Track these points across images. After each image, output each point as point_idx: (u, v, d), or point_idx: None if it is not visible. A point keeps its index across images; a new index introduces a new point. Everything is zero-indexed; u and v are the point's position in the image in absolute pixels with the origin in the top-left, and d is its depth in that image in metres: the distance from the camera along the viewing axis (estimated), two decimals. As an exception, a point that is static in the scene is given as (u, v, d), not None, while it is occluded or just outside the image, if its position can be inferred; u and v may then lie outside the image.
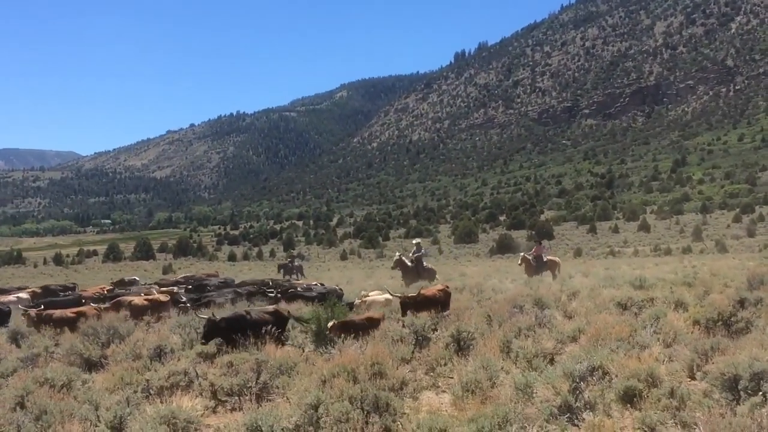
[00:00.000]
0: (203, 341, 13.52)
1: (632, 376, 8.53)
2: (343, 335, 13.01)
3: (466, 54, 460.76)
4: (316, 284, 25.48)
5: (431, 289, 17.92)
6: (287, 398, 9.40)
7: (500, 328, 13.02)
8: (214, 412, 9.70)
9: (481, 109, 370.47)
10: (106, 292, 27.15)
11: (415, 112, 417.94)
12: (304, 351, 12.97)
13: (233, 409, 9.71)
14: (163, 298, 21.34)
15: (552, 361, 10.32)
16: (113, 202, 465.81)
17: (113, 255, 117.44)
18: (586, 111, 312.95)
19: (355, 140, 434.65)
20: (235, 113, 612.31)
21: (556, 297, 18.67)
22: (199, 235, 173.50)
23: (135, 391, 9.60)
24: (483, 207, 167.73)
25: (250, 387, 10.05)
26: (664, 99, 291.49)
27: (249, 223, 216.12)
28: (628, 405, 8.09)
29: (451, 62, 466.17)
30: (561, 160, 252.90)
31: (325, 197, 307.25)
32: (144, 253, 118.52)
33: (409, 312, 15.43)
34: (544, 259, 31.19)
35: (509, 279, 30.73)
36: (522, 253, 34.90)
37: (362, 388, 8.25)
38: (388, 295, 18.57)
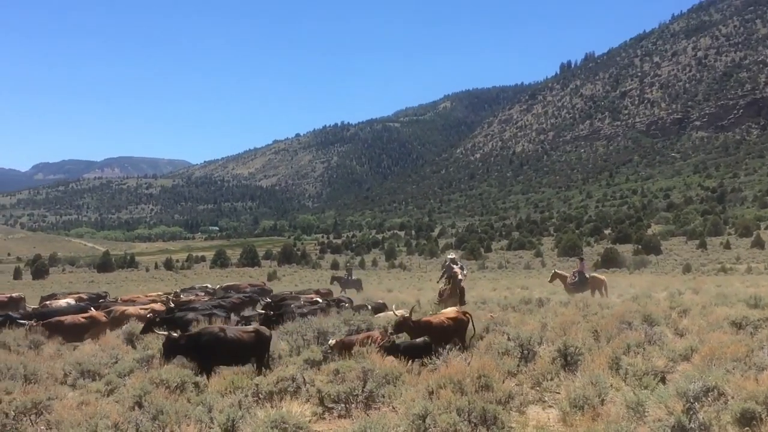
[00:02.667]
0: (164, 362, 12.57)
1: (750, 398, 8.23)
2: (345, 352, 12.86)
3: (572, 65, 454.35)
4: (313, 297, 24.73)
5: (442, 314, 15.46)
6: (393, 408, 9.47)
7: (608, 344, 12.78)
8: (322, 418, 9.84)
9: (587, 121, 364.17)
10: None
11: (519, 123, 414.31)
12: (409, 361, 13.02)
13: (340, 416, 9.84)
14: (101, 317, 19.77)
15: (663, 380, 10.05)
16: (221, 209, 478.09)
17: (220, 261, 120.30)
18: (697, 123, 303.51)
19: (458, 151, 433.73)
20: (339, 123, 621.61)
21: (666, 314, 18.16)
22: (303, 243, 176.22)
23: (246, 395, 9.83)
24: (587, 220, 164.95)
25: (357, 395, 10.16)
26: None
27: (351, 233, 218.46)
28: (746, 428, 7.82)
29: (556, 73, 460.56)
30: (670, 173, 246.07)
31: (427, 208, 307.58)
32: (250, 259, 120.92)
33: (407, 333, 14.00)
34: (587, 276, 30.55)
35: (615, 294, 30.08)
36: (554, 270, 34.41)
37: (470, 400, 8.24)
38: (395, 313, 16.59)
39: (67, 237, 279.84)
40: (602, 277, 31.43)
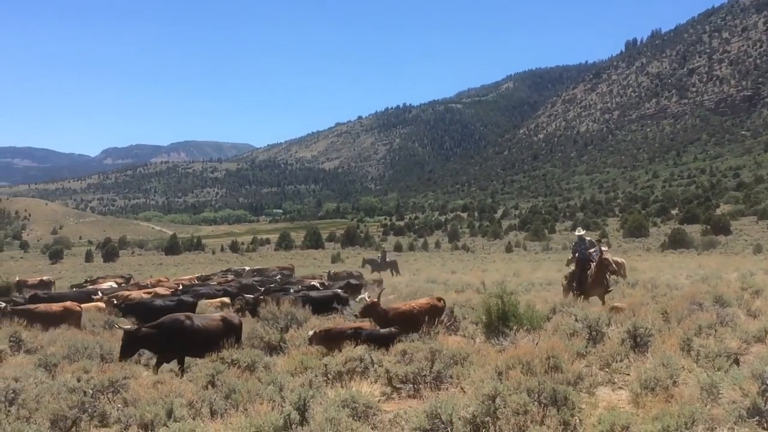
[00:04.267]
0: (120, 357, 11.74)
1: (828, 379, 8.06)
2: (328, 345, 12.26)
3: (638, 42, 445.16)
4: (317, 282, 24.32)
5: (414, 302, 14.89)
6: (462, 388, 9.49)
7: (679, 325, 12.60)
8: (391, 398, 9.93)
9: (653, 99, 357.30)
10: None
11: (583, 103, 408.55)
12: (475, 342, 13.02)
13: (409, 396, 9.91)
14: (75, 307, 18.46)
15: (737, 362, 9.89)
16: (284, 192, 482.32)
17: (285, 243, 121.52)
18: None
19: (521, 132, 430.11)
20: (401, 105, 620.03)
21: (738, 295, 17.82)
22: (365, 225, 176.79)
23: (315, 375, 9.96)
24: (654, 200, 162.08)
25: (425, 375, 10.21)
26: None
27: (414, 214, 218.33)
28: (824, 411, 7.65)
29: (621, 51, 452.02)
30: (739, 151, 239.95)
31: (489, 189, 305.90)
32: (313, 242, 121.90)
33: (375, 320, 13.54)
34: None
35: (684, 275, 29.60)
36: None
37: (539, 381, 8.20)
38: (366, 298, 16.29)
39: (135, 221, 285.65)
40: (621, 260, 31.48)
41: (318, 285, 22.87)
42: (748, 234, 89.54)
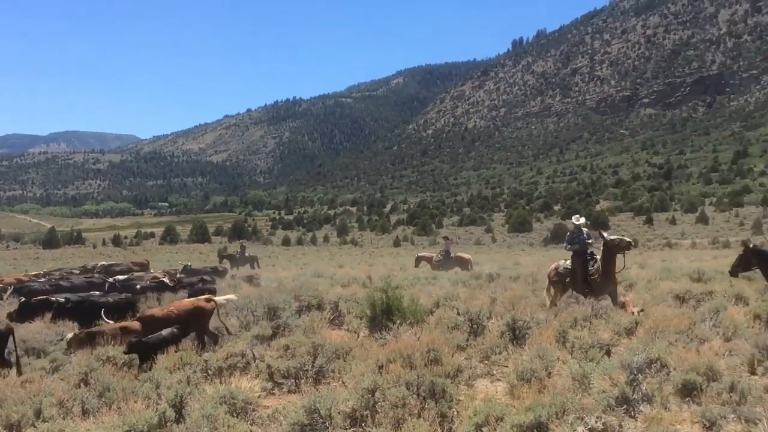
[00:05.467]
0: None
1: (691, 369, 8.42)
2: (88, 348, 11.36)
3: (524, 41, 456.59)
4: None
5: (175, 305, 13.59)
6: (343, 382, 9.49)
7: (556, 318, 12.93)
8: (272, 393, 9.83)
9: (538, 98, 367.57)
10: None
11: (471, 100, 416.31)
12: (359, 336, 13.05)
13: (290, 392, 9.84)
14: None
15: (609, 353, 10.22)
16: (170, 185, 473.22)
17: (170, 237, 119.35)
18: (646, 100, 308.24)
19: (410, 127, 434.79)
20: (291, 99, 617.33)
21: (611, 288, 18.44)
22: (254, 219, 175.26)
23: (194, 372, 9.77)
24: (538, 196, 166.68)
25: (307, 370, 10.16)
26: (727, 89, 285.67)
27: (303, 208, 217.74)
28: (687, 399, 7.99)
29: (508, 50, 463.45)
30: (618, 149, 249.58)
31: (379, 184, 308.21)
32: (200, 236, 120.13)
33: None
34: (452, 255, 31.53)
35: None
36: (417, 254, 35.93)
37: (418, 374, 8.28)
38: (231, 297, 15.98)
39: (11, 213, 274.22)
40: (467, 256, 32.47)
41: (167, 281, 22.05)
42: (624, 229, 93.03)
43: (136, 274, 27.01)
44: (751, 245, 14.87)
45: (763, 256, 14.46)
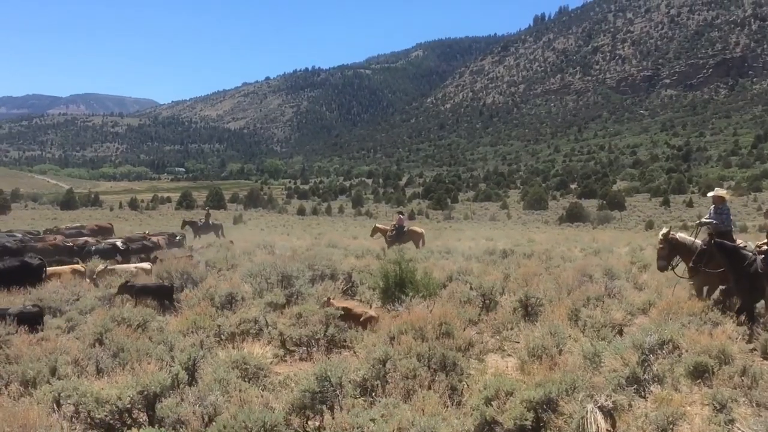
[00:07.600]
0: None
1: (703, 351, 8.42)
2: None
3: (546, 18, 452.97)
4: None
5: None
6: (354, 352, 9.55)
7: (569, 296, 12.93)
8: (283, 360, 9.91)
9: (558, 75, 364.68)
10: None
11: (491, 75, 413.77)
12: (371, 307, 13.10)
13: (302, 359, 9.91)
14: None
15: (621, 332, 10.23)
16: (188, 150, 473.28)
17: (186, 203, 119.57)
18: (667, 81, 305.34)
19: (428, 100, 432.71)
20: (310, 68, 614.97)
21: (627, 269, 18.44)
22: (269, 188, 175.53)
23: (207, 336, 9.84)
24: (554, 174, 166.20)
25: (318, 338, 10.23)
26: (750, 72, 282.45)
27: (319, 178, 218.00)
28: (698, 381, 8.01)
29: (530, 25, 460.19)
30: (637, 130, 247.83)
31: (395, 156, 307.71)
32: (216, 202, 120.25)
33: None
34: (405, 229, 30.88)
35: (578, 248, 30.39)
36: (375, 224, 35.49)
37: (430, 347, 8.32)
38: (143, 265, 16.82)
39: (30, 173, 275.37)
40: (420, 230, 31.93)
41: (119, 244, 21.97)
42: (641, 210, 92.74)
43: (89, 239, 25.87)
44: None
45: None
